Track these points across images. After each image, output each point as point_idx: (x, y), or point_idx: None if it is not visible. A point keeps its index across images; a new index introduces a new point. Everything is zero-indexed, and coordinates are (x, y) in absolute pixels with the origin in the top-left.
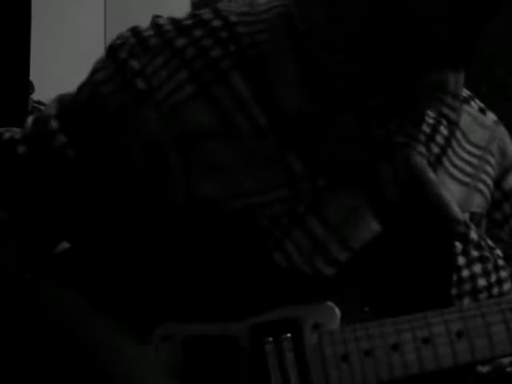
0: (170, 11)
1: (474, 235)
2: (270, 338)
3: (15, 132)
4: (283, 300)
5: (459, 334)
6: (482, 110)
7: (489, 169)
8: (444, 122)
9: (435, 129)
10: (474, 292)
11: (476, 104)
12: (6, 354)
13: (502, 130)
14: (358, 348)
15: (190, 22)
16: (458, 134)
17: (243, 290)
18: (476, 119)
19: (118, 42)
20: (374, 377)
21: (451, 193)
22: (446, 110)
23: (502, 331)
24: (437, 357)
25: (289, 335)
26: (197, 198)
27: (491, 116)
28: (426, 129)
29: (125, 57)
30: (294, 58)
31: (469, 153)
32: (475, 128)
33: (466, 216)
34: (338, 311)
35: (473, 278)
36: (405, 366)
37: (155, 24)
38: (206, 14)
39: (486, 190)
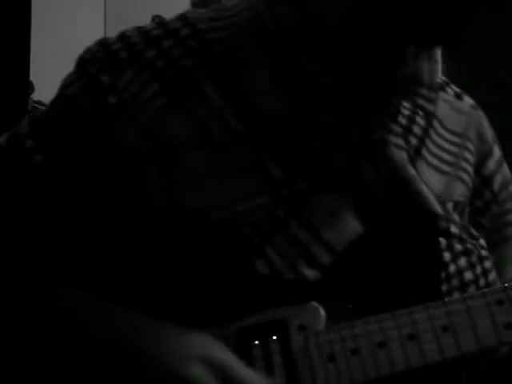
0: (169, 11)
1: (454, 229)
2: (257, 342)
3: None
4: (267, 304)
5: (444, 329)
6: (458, 96)
7: (468, 156)
8: (420, 112)
9: (412, 120)
10: (462, 286)
11: (452, 90)
12: (7, 355)
13: (479, 114)
14: (344, 348)
15: (157, 32)
16: (435, 123)
17: (227, 295)
18: (452, 105)
19: (87, 56)
20: (361, 375)
21: (432, 184)
22: (421, 101)
23: (488, 324)
24: (423, 352)
25: (275, 338)
26: (177, 210)
27: (468, 100)
28: (403, 120)
29: (94, 72)
30: (268, 61)
31: (447, 141)
32: (452, 114)
33: (450, 205)
34: (322, 312)
35: (459, 272)
36: (391, 363)
37: (122, 36)
38: (174, 22)
39: (467, 178)
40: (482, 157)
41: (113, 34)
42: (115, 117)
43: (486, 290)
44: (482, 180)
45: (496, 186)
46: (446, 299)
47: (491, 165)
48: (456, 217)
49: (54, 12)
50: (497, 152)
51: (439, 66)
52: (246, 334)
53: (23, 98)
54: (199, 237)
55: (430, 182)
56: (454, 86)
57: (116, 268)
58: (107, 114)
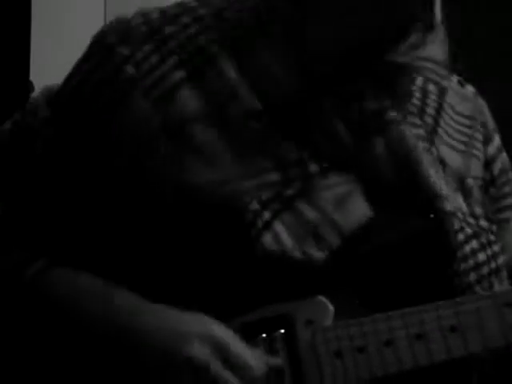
0: None
1: (459, 213)
2: (264, 335)
3: (5, 123)
4: (274, 294)
5: (453, 329)
6: (460, 83)
7: (479, 136)
8: (433, 89)
9: (424, 102)
10: (477, 267)
11: (455, 77)
12: (9, 348)
13: (480, 102)
14: (351, 345)
15: (176, 10)
16: (446, 106)
17: (233, 287)
18: (458, 92)
19: (105, 29)
20: (368, 373)
21: (452, 160)
22: (435, 78)
23: (496, 326)
24: (430, 352)
25: (282, 332)
26: (186, 184)
27: (470, 88)
28: (417, 101)
29: (113, 42)
30: (286, 38)
31: (458, 123)
32: (459, 100)
33: (471, 181)
34: (331, 307)
35: (473, 252)
36: (398, 361)
37: (142, 13)
38: (192, 2)
39: (481, 156)
40: (484, 141)
41: None
42: (131, 87)
43: (495, 291)
44: (483, 163)
45: (495, 170)
46: (456, 300)
47: (491, 150)
48: (476, 192)
49: (54, 12)
50: (497, 139)
51: (446, 45)
52: (252, 327)
53: (23, 97)
54: (206, 211)
55: (448, 158)
56: (455, 75)
57: (119, 250)
58: (123, 84)
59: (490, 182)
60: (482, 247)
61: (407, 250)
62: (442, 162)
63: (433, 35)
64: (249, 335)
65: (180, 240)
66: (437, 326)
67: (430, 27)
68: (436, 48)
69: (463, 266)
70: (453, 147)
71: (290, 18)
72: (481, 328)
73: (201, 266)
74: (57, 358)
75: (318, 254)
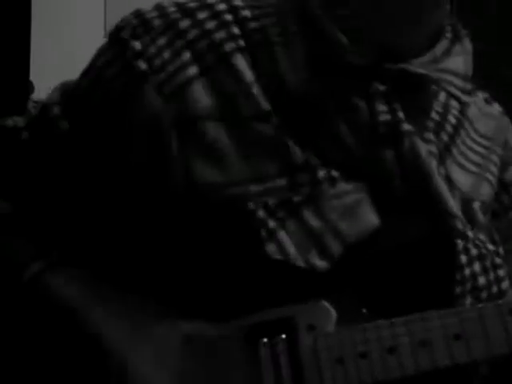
0: None
1: (470, 233)
2: (265, 340)
3: (19, 120)
4: (277, 298)
5: (457, 337)
6: (487, 101)
7: (495, 159)
8: (454, 104)
9: (444, 117)
10: (475, 290)
11: (481, 94)
12: (7, 350)
13: (506, 121)
14: (353, 351)
15: (194, 4)
16: (466, 124)
17: (237, 288)
18: (482, 110)
19: (121, 24)
20: (369, 378)
21: (460, 182)
22: (457, 93)
23: (501, 334)
24: (433, 359)
25: (283, 336)
26: (194, 182)
27: (496, 107)
28: (435, 116)
29: (126, 37)
30: (304, 40)
31: (476, 142)
32: (482, 118)
33: (477, 205)
34: (333, 312)
35: (474, 276)
36: (401, 367)
37: (159, 6)
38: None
39: (493, 180)
40: (505, 163)
41: None
42: (143, 83)
43: (500, 301)
44: (502, 185)
45: None
46: (460, 308)
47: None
48: (481, 217)
49: (54, 12)
50: None
51: (471, 60)
52: (253, 330)
53: (23, 97)
54: (211, 211)
55: (457, 179)
56: (483, 92)
57: (121, 242)
58: (135, 80)
59: (509, 206)
60: (485, 271)
61: (411, 263)
62: (450, 182)
63: (458, 46)
64: (250, 338)
65: (185, 238)
66: (441, 334)
67: (457, 38)
68: (461, 60)
69: (460, 288)
70: (464, 168)
71: (311, 17)
72: (485, 336)
73: (203, 264)
74: (53, 359)
75: (321, 263)
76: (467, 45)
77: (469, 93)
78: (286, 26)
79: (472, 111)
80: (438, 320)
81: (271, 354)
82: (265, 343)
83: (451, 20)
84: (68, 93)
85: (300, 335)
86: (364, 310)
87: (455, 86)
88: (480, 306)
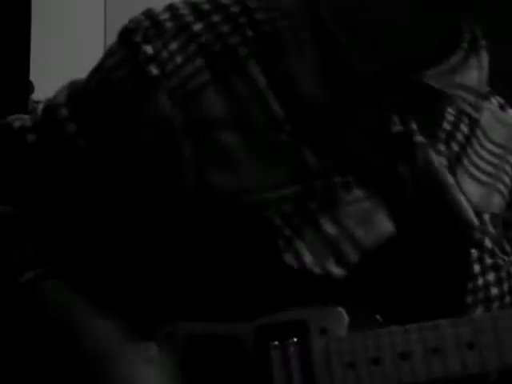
0: None
1: (488, 242)
2: (276, 342)
3: (25, 120)
4: (291, 302)
5: (470, 346)
6: (502, 107)
7: (508, 169)
8: (465, 119)
9: (456, 127)
10: (487, 301)
11: (496, 100)
12: (3, 355)
13: None
14: (365, 357)
15: (207, 6)
16: (479, 133)
17: (250, 289)
18: (496, 116)
19: (131, 25)
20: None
21: (470, 193)
22: (468, 109)
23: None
24: (446, 368)
25: (295, 339)
26: (207, 190)
27: (511, 113)
28: (447, 126)
29: (138, 41)
30: (316, 46)
31: (489, 152)
32: (496, 126)
33: (487, 217)
34: (346, 317)
35: (486, 286)
36: (413, 374)
37: (171, 7)
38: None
39: (505, 191)
40: None
41: (113, 34)
42: (154, 89)
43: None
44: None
45: None
46: (474, 316)
47: None
48: (491, 229)
49: (54, 12)
50: None
51: (486, 73)
52: (265, 332)
53: (23, 97)
54: (226, 220)
55: (467, 191)
56: (498, 97)
57: (137, 249)
58: (146, 85)
59: None
60: (499, 281)
61: (424, 271)
62: (462, 193)
63: (474, 59)
64: (263, 339)
65: (198, 240)
66: (454, 342)
67: (473, 49)
68: (475, 75)
69: (472, 298)
70: (475, 178)
71: (323, 27)
72: (498, 346)
73: (221, 264)
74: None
75: (338, 271)
76: (483, 58)
77: (480, 108)
78: (300, 32)
79: (485, 118)
80: (452, 328)
81: (282, 356)
82: (276, 346)
83: (470, 28)
84: (75, 94)
85: (312, 339)
86: (378, 317)
87: (466, 102)
88: (493, 314)
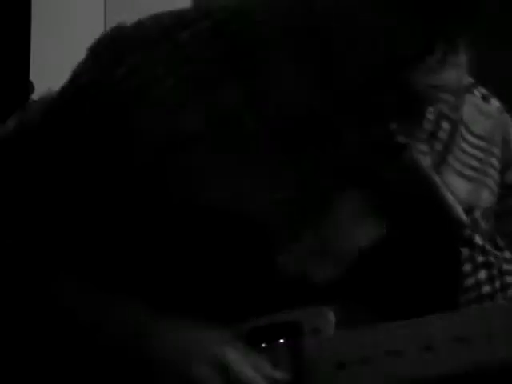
0: None
1: (478, 239)
2: (264, 344)
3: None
4: (284, 304)
5: (460, 340)
6: (485, 98)
7: (494, 161)
8: (445, 117)
9: (437, 124)
10: (479, 299)
11: (479, 92)
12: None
13: (505, 118)
14: (355, 356)
15: (173, 22)
16: (461, 128)
17: (242, 293)
18: (479, 109)
19: (102, 41)
20: (372, 381)
21: (457, 190)
22: (446, 110)
23: (505, 336)
24: (438, 362)
25: (285, 340)
26: (197, 203)
27: (495, 103)
28: (428, 125)
29: (111, 57)
30: (297, 54)
31: (473, 146)
32: (478, 118)
33: (478, 213)
34: (332, 316)
35: (478, 285)
36: (404, 372)
37: (139, 25)
38: (190, 13)
39: (493, 184)
40: (506, 163)
41: None
42: (133, 104)
43: (504, 302)
44: (505, 187)
45: None
46: (464, 310)
47: None
48: (483, 224)
49: (54, 12)
50: None
51: (464, 71)
52: (256, 334)
53: (23, 97)
54: (217, 228)
55: (455, 188)
56: (481, 88)
57: (129, 260)
58: (124, 104)
59: None
60: (490, 279)
61: (417, 271)
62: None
63: (451, 59)
64: (254, 341)
65: (190, 248)
66: (445, 337)
67: (449, 50)
68: (452, 72)
69: (464, 298)
70: (462, 174)
71: (309, 31)
72: (489, 338)
73: (215, 268)
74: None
75: (331, 272)
76: (461, 56)
77: (458, 107)
78: (279, 42)
79: (467, 112)
80: (442, 322)
81: (270, 359)
82: (264, 348)
83: (445, 28)
84: (51, 108)
85: (304, 339)
86: (369, 316)
87: (445, 102)
88: (483, 307)
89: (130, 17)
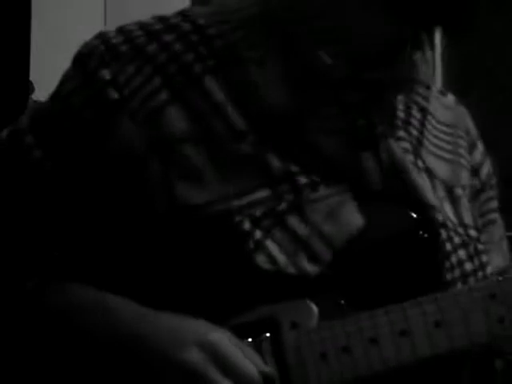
0: (169, 11)
1: (449, 222)
2: (250, 339)
3: None
4: (269, 300)
5: (437, 324)
6: (441, 92)
7: (463, 143)
8: (414, 106)
9: (409, 113)
10: (464, 277)
11: (436, 88)
12: (9, 359)
13: (462, 110)
14: (335, 345)
15: (158, 26)
16: (429, 117)
17: (224, 292)
18: (440, 101)
19: (85, 50)
20: (353, 373)
21: (440, 171)
22: (416, 98)
23: (481, 319)
24: (414, 348)
25: (268, 335)
26: (176, 204)
27: (451, 97)
28: (401, 114)
29: (94, 66)
30: (273, 53)
31: (442, 132)
32: (441, 108)
33: (459, 191)
34: (315, 308)
35: (460, 263)
36: (382, 359)
37: (122, 30)
38: (173, 18)
39: (466, 164)
40: (470, 148)
41: None
42: (115, 112)
43: (478, 284)
44: (471, 169)
45: (483, 175)
46: (438, 295)
47: (477, 156)
48: (465, 202)
49: (54, 12)
50: (480, 145)
51: (430, 68)
52: (238, 331)
53: (23, 97)
54: (197, 231)
55: (436, 169)
56: (436, 85)
57: (112, 262)
58: (107, 109)
59: (480, 188)
60: (470, 257)
61: (398, 259)
62: (430, 173)
63: (418, 54)
64: (237, 337)
65: (175, 251)
66: (421, 322)
67: (416, 45)
68: (420, 66)
69: (450, 275)
70: (440, 157)
71: (285, 32)
72: (465, 322)
73: (194, 271)
74: (56, 366)
75: (312, 268)
76: (427, 52)
77: (427, 98)
78: (256, 40)
79: (432, 104)
80: (418, 308)
81: (257, 353)
82: (250, 343)
83: (413, 25)
84: (38, 119)
85: (284, 334)
86: (350, 307)
87: (415, 92)
88: (457, 291)
89: (129, 17)
